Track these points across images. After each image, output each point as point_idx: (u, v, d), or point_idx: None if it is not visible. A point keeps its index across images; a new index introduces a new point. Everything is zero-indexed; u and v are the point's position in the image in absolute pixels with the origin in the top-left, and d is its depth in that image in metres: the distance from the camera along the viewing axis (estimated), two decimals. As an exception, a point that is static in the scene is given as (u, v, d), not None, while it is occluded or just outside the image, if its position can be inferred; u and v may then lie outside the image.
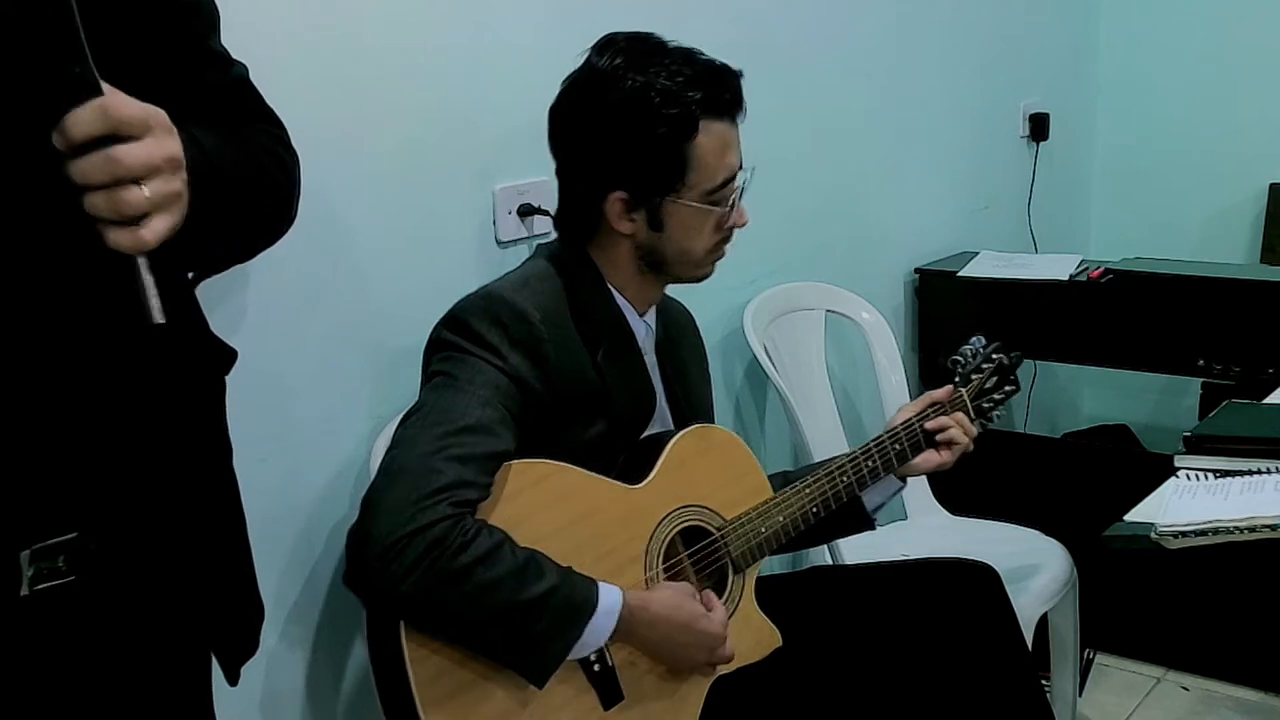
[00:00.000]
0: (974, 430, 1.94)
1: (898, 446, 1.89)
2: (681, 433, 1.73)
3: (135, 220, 0.95)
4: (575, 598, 1.50)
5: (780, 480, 1.86)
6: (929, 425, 1.91)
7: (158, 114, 0.98)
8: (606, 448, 1.67)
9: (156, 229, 0.96)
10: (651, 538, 1.65)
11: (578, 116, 1.67)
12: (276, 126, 1.25)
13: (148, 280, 0.94)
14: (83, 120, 0.92)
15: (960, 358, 2.02)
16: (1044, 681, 2.44)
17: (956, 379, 1.99)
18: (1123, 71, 3.82)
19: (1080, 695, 2.69)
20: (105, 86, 0.93)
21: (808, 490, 1.81)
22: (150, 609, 1.16)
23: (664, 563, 1.66)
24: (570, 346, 1.64)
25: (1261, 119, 3.60)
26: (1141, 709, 2.80)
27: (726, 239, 1.73)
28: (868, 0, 2.84)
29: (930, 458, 1.91)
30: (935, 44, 3.09)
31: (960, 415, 1.93)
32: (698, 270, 1.74)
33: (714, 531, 1.72)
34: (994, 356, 2.02)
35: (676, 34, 1.71)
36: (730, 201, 1.68)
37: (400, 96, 1.89)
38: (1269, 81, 3.58)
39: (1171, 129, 3.75)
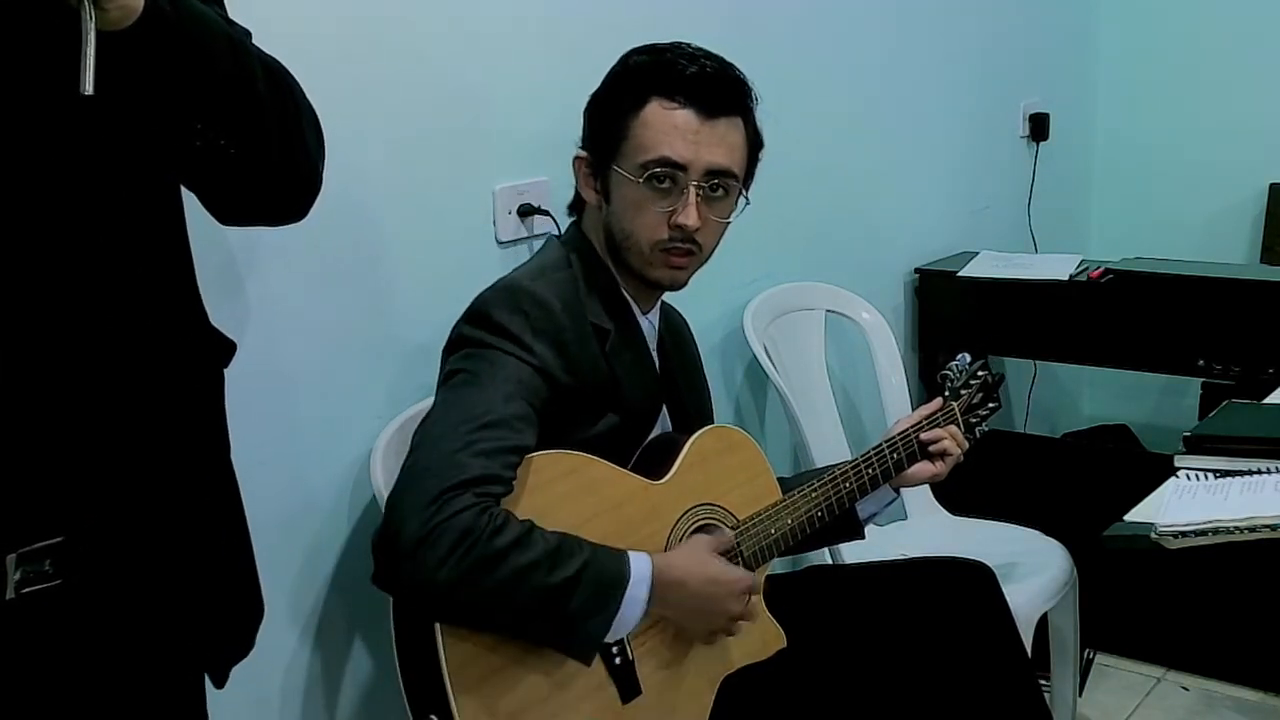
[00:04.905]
0: (965, 443, 1.98)
1: (895, 455, 1.92)
2: (701, 432, 1.76)
3: None
4: (608, 572, 1.53)
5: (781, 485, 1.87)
6: (924, 436, 1.95)
7: None
8: (618, 441, 1.68)
9: None
10: (671, 533, 1.68)
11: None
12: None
13: (89, 49, 0.97)
14: None
15: (949, 373, 2.07)
16: (1044, 681, 2.44)
17: (946, 393, 2.03)
18: (1123, 71, 3.82)
19: (1080, 695, 2.69)
20: None
21: (814, 495, 1.83)
22: (140, 611, 1.15)
23: None
24: (584, 337, 1.66)
25: (1261, 119, 3.60)
26: (1141, 709, 2.80)
27: (681, 239, 1.67)
28: (868, 0, 2.84)
29: (925, 468, 1.95)
30: (935, 44, 3.09)
31: (953, 428, 1.97)
32: (647, 266, 1.69)
33: (728, 530, 1.74)
34: (979, 374, 2.07)
35: (676, 34, 1.71)
36: (668, 186, 1.64)
37: (400, 97, 1.89)
38: (1269, 81, 3.59)
39: (1171, 129, 3.75)
